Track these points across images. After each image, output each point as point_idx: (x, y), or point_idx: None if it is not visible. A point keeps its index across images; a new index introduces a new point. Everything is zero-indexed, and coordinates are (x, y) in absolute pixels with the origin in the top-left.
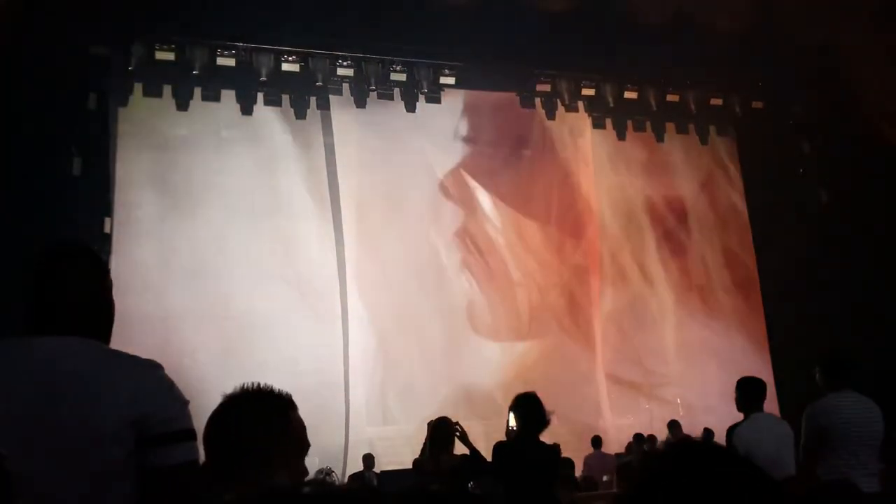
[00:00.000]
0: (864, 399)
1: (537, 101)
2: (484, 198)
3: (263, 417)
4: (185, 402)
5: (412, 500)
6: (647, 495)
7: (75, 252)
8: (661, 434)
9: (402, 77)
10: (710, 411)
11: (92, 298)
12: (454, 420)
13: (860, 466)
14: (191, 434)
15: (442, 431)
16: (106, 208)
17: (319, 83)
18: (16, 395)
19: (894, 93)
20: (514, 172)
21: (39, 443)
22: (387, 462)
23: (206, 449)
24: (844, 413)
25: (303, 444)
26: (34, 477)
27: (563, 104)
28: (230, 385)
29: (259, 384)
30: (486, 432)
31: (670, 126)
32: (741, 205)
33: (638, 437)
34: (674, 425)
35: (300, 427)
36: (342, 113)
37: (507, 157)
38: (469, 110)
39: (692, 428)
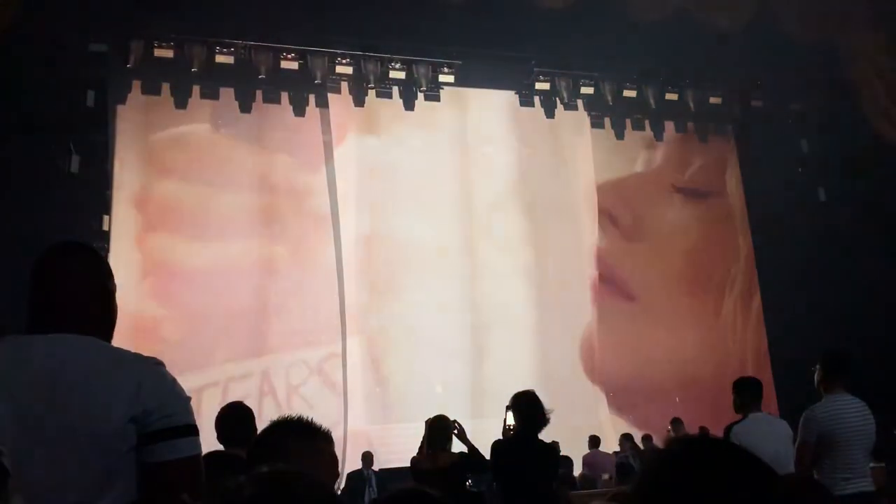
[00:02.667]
0: (858, 401)
1: (536, 99)
2: (482, 196)
3: (306, 443)
4: (187, 398)
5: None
6: (653, 488)
7: (76, 249)
8: (659, 433)
9: (401, 75)
10: (709, 410)
11: (92, 296)
12: (452, 418)
13: (858, 468)
14: (193, 429)
15: (440, 429)
16: (104, 206)
17: (318, 81)
18: (16, 392)
19: (893, 91)
20: (512, 172)
21: (41, 440)
22: (385, 460)
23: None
24: (843, 417)
25: (335, 475)
26: (35, 474)
27: (561, 103)
28: (228, 384)
29: (300, 416)
30: (483, 431)
31: (669, 125)
32: (740, 204)
33: (626, 436)
34: (677, 423)
35: (334, 460)
36: (341, 111)
37: (505, 157)
38: (467, 109)
39: (689, 427)
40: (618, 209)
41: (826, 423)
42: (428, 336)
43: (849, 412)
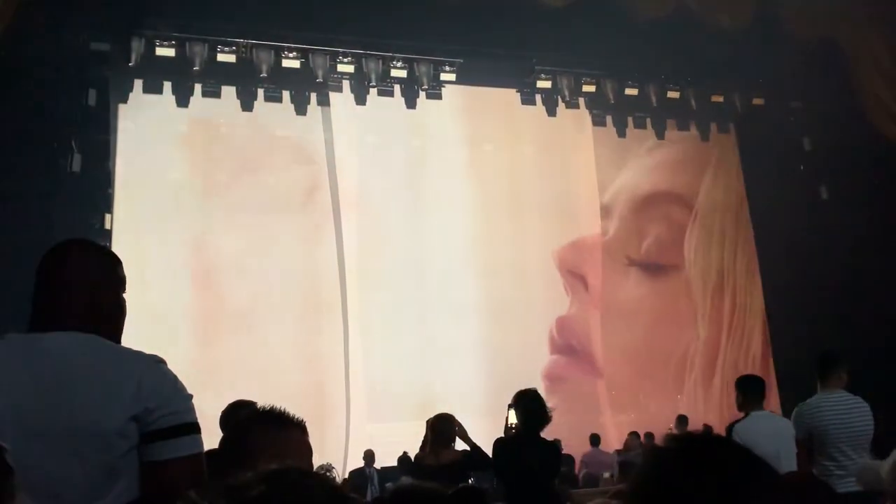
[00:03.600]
0: (850, 398)
1: (538, 97)
2: (483, 194)
3: (279, 433)
4: (189, 396)
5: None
6: (652, 485)
7: (81, 247)
8: (660, 432)
9: (403, 73)
10: (710, 408)
11: (94, 294)
12: (454, 416)
13: (851, 465)
14: (195, 427)
15: (442, 428)
16: (106, 205)
17: (319, 79)
18: (19, 390)
19: (894, 89)
20: (514, 170)
21: (42, 438)
22: (387, 459)
23: (225, 455)
24: (831, 413)
25: (309, 466)
26: (38, 471)
27: (563, 101)
28: (230, 382)
29: (273, 406)
30: (485, 429)
31: (671, 123)
32: (742, 202)
33: (633, 434)
34: (682, 420)
35: (308, 450)
36: (342, 109)
37: (507, 155)
38: (469, 107)
39: (691, 425)
40: (570, 277)
41: (813, 419)
42: (430, 334)
43: (838, 409)
